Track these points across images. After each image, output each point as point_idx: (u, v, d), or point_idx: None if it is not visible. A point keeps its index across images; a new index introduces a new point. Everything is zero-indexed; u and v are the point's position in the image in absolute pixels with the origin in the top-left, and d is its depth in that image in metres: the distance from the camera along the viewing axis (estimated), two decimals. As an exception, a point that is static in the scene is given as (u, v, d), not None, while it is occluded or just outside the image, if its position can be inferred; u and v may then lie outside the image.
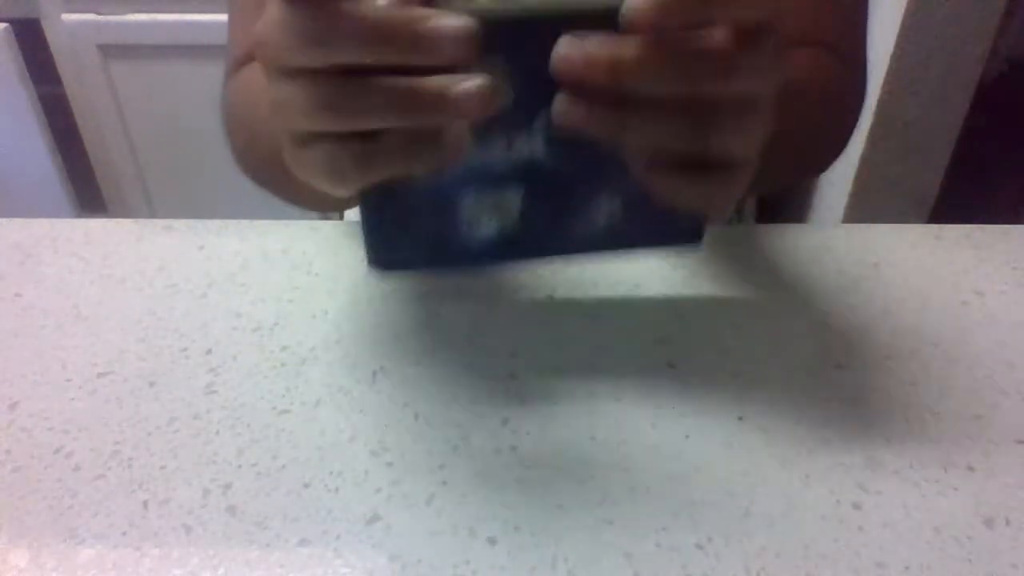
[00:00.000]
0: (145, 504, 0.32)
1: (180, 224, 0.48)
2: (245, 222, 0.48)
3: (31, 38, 1.34)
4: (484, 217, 0.35)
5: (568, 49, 0.29)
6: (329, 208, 0.60)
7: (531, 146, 0.33)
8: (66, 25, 1.33)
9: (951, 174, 1.28)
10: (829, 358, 0.39)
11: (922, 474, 0.34)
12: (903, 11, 1.11)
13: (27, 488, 0.33)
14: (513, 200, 0.35)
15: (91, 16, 1.33)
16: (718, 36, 0.30)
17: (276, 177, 0.52)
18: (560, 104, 0.30)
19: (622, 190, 0.35)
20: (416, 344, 0.40)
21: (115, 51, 1.36)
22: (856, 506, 0.32)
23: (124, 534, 0.31)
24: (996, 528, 0.31)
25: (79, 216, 1.48)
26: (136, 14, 1.33)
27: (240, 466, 0.34)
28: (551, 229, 0.36)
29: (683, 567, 0.30)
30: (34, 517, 0.32)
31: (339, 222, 0.50)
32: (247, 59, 0.58)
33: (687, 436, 0.35)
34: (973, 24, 1.13)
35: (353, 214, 0.73)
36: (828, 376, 0.38)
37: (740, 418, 0.36)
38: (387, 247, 0.36)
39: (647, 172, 0.32)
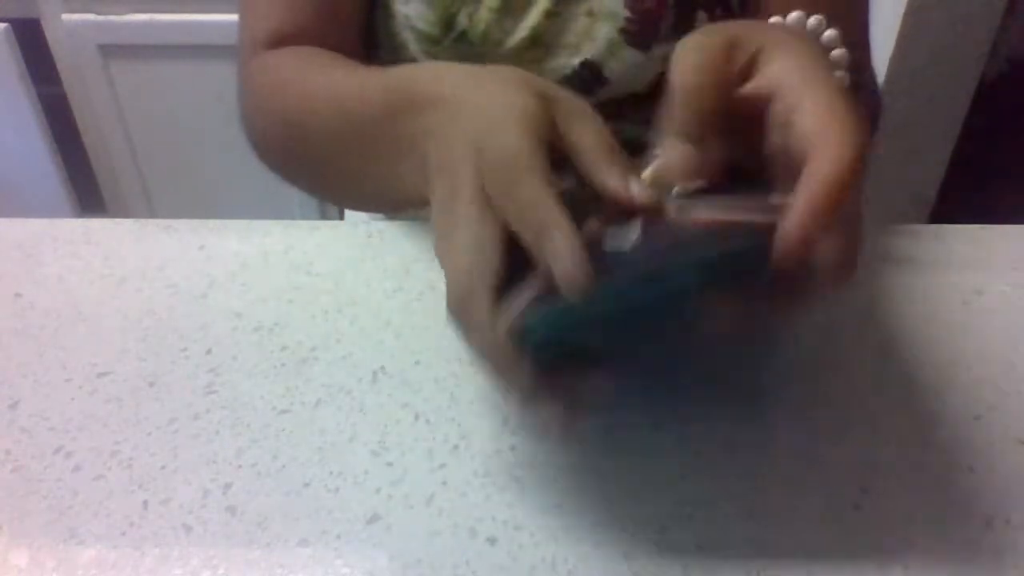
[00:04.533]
0: (145, 504, 0.32)
1: (180, 224, 0.48)
2: (245, 222, 0.48)
3: (31, 38, 1.34)
4: None
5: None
6: (373, 211, 0.61)
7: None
8: (66, 25, 1.33)
9: (951, 174, 1.28)
10: (829, 359, 0.39)
11: (922, 474, 0.34)
12: (903, 11, 1.11)
13: (27, 488, 0.33)
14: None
15: (91, 16, 1.33)
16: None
17: (308, 172, 0.51)
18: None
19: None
20: (416, 344, 0.40)
21: (115, 51, 1.36)
22: (856, 506, 0.32)
23: (124, 534, 0.31)
24: (996, 528, 0.31)
25: (79, 216, 1.48)
26: (136, 14, 1.32)
27: (240, 466, 0.34)
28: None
29: (683, 567, 0.30)
30: (34, 517, 0.32)
31: (339, 222, 0.50)
32: (270, 43, 0.55)
33: (687, 436, 0.35)
34: (973, 24, 1.13)
35: (354, 213, 0.73)
36: (828, 377, 0.38)
37: (740, 418, 0.36)
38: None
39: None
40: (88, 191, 1.52)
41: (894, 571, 0.30)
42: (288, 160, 0.54)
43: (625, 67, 0.55)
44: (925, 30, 1.14)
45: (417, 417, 0.36)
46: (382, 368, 0.38)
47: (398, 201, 0.44)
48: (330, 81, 0.48)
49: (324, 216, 1.48)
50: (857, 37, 0.63)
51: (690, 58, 0.32)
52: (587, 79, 0.54)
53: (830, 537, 0.31)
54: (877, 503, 0.32)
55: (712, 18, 0.57)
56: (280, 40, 0.56)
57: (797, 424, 0.36)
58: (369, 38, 0.60)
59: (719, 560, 0.30)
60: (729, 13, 0.59)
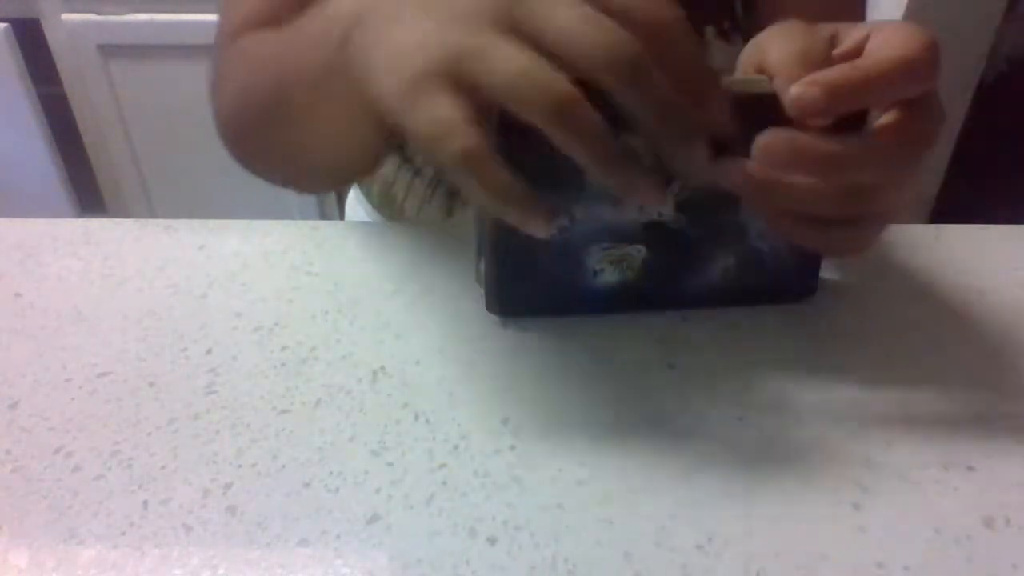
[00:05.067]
0: (145, 504, 0.32)
1: (180, 224, 0.48)
2: (245, 222, 0.48)
3: (31, 38, 1.34)
4: (607, 270, 0.38)
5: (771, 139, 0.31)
6: (315, 189, 0.58)
7: (660, 208, 0.36)
8: (66, 25, 1.33)
9: (951, 174, 1.28)
10: (829, 358, 0.39)
11: (922, 474, 0.34)
12: (903, 11, 1.11)
13: (27, 488, 0.33)
14: (635, 256, 0.38)
15: (91, 16, 1.33)
16: (880, 126, 0.32)
17: (271, 148, 0.48)
18: (732, 170, 0.32)
19: (738, 250, 0.39)
20: (416, 344, 0.40)
21: (115, 51, 1.36)
22: (856, 506, 0.32)
23: (124, 534, 0.31)
24: (996, 528, 0.31)
25: (79, 216, 1.48)
26: (136, 14, 1.33)
27: (240, 466, 0.34)
28: (669, 284, 0.39)
29: (683, 567, 0.30)
30: (34, 517, 0.32)
31: (339, 222, 0.50)
32: (246, 28, 0.54)
33: (687, 436, 0.35)
34: (973, 24, 1.13)
35: (354, 214, 0.73)
36: (827, 376, 0.38)
37: (740, 418, 0.36)
38: (510, 294, 0.39)
39: (786, 227, 0.34)
40: (88, 191, 1.52)
41: (894, 571, 0.30)
42: (246, 137, 0.50)
43: None
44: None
45: (417, 417, 0.36)
46: (382, 368, 0.38)
47: (354, 142, 0.42)
48: (273, 38, 0.46)
49: (324, 216, 1.48)
50: None
51: (784, 37, 0.33)
52: (592, 94, 0.54)
53: (830, 537, 0.31)
54: (877, 503, 0.32)
55: (720, 31, 0.57)
56: (255, 27, 0.54)
57: (797, 424, 0.36)
58: None
59: (719, 560, 0.30)
60: (736, 25, 0.59)
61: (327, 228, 0.48)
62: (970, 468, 0.34)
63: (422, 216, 0.63)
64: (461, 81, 0.29)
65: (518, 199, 0.30)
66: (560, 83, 0.29)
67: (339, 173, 0.52)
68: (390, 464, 0.34)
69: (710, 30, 0.56)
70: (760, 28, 0.61)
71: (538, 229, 0.30)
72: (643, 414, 0.36)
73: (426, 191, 0.62)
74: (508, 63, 0.28)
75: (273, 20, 0.53)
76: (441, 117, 0.29)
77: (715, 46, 0.56)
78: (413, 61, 0.30)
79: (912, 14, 1.11)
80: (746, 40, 0.59)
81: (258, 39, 0.50)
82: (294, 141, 0.46)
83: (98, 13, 1.32)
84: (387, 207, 0.66)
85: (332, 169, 0.49)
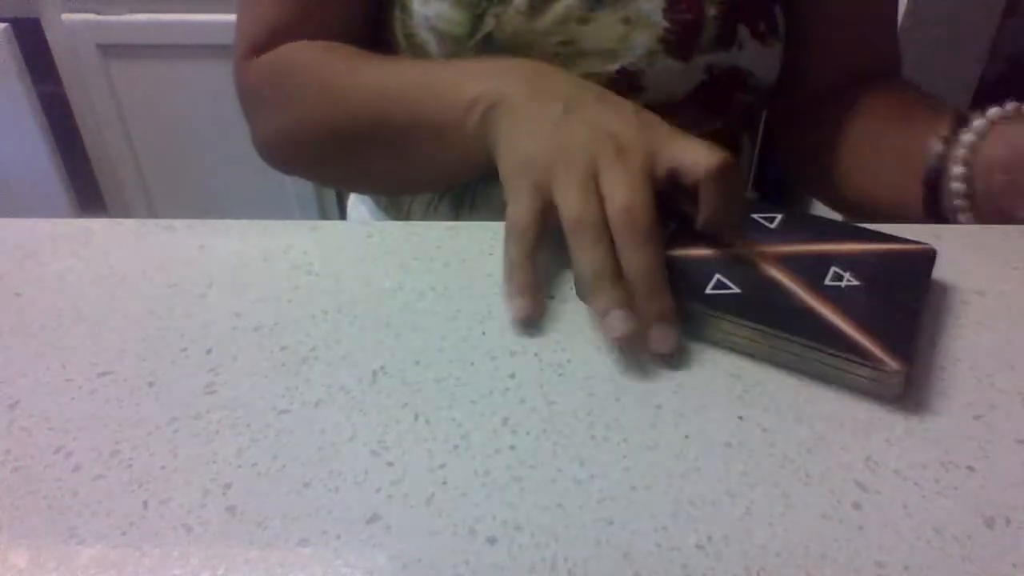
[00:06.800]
0: (145, 504, 0.32)
1: (180, 224, 0.48)
2: (245, 222, 0.48)
3: (31, 38, 1.34)
4: None
5: None
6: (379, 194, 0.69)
7: None
8: (66, 25, 1.33)
9: (951, 174, 1.27)
10: (829, 358, 0.39)
11: (922, 474, 0.34)
12: (903, 11, 1.11)
13: (27, 488, 0.33)
14: None
15: (91, 16, 1.33)
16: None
17: (342, 167, 0.57)
18: None
19: None
20: (416, 344, 0.40)
21: (115, 51, 1.36)
22: (856, 506, 0.32)
23: (124, 534, 0.31)
24: (996, 528, 0.31)
25: (79, 216, 1.48)
26: (136, 14, 1.33)
27: (240, 466, 0.34)
28: None
29: (683, 567, 0.30)
30: (34, 517, 0.32)
31: (339, 222, 0.50)
32: (265, 42, 0.57)
33: (687, 436, 0.35)
34: (973, 24, 1.13)
35: (355, 213, 0.73)
36: (828, 376, 0.38)
37: (740, 418, 0.36)
38: None
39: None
40: (88, 191, 1.52)
41: (894, 571, 0.30)
42: (303, 151, 0.57)
43: (664, 76, 0.54)
44: (925, 30, 1.14)
45: (417, 417, 0.36)
46: (382, 368, 0.38)
47: (434, 180, 0.55)
48: (369, 73, 0.53)
49: (324, 216, 1.48)
50: (892, 47, 0.65)
51: None
52: (623, 86, 0.54)
53: (830, 537, 0.31)
54: (877, 503, 0.32)
55: (755, 33, 0.56)
56: (273, 39, 0.57)
57: (797, 423, 0.36)
58: (383, 36, 0.60)
59: (719, 560, 0.30)
60: (773, 27, 0.58)
61: (327, 228, 0.48)
62: (970, 468, 0.34)
63: (428, 220, 0.63)
64: (544, 193, 0.41)
65: (517, 282, 0.41)
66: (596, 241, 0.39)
67: (416, 190, 0.63)
68: (390, 464, 0.34)
69: (743, 29, 0.55)
70: (800, 30, 0.62)
71: (515, 308, 0.40)
72: (643, 413, 0.36)
73: (433, 196, 0.62)
74: (575, 206, 0.39)
75: (290, 33, 0.56)
76: (516, 211, 0.41)
77: (749, 46, 0.55)
78: (524, 161, 0.43)
79: (912, 14, 1.11)
80: (785, 43, 0.59)
81: (314, 64, 0.55)
82: (382, 169, 0.56)
83: (98, 13, 1.32)
84: (393, 210, 0.66)
85: (409, 187, 0.61)
